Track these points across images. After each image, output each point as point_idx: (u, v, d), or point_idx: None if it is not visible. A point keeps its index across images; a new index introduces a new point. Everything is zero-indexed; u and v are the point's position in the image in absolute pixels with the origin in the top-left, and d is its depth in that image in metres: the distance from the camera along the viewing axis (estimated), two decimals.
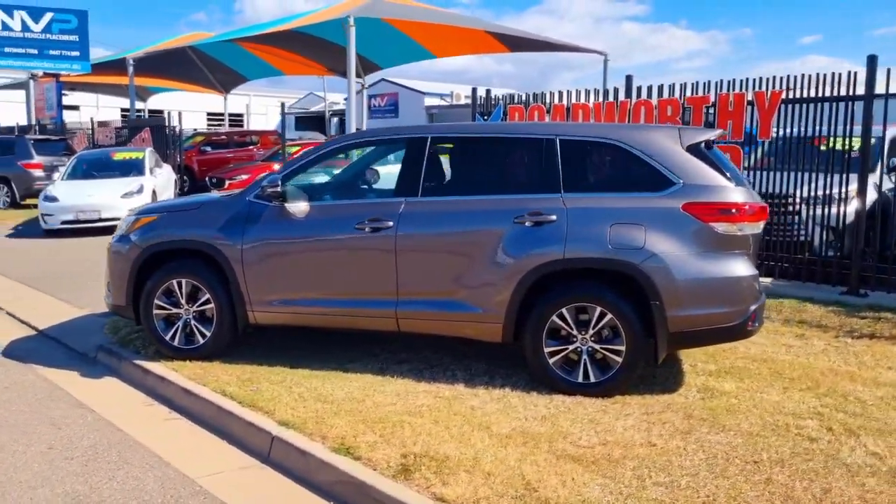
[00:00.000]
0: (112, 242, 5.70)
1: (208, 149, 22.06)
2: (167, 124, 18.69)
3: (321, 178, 5.67)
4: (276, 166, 13.90)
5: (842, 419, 4.37)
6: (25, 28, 23.98)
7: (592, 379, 4.75)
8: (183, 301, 5.42)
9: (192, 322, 5.43)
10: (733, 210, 4.66)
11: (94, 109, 42.86)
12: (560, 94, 9.78)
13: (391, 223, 5.00)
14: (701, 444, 4.00)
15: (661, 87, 8.80)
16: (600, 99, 9.35)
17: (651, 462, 3.75)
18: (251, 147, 22.44)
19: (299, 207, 5.19)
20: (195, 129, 30.93)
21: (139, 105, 35.27)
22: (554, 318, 4.75)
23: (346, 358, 5.47)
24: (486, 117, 10.72)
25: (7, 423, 4.60)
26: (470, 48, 25.92)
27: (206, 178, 18.05)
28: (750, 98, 8.01)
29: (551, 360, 4.79)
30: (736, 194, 4.69)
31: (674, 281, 4.59)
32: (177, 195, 16.10)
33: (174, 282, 5.41)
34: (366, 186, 5.85)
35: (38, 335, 6.68)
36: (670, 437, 4.09)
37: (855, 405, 4.61)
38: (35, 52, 24.17)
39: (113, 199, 13.02)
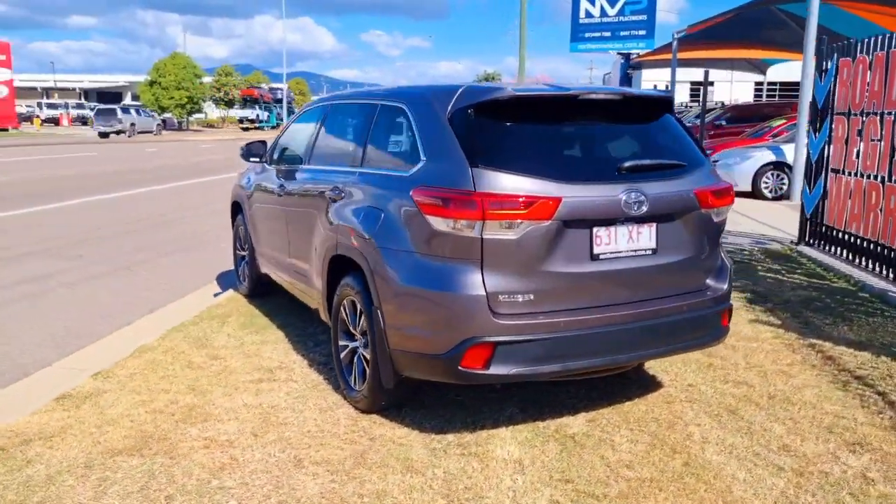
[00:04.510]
0: None
1: (723, 122, 20.91)
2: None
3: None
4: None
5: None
6: (603, 13, 26.75)
7: (356, 386, 3.95)
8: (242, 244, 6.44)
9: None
10: (450, 201, 3.19)
11: (728, 84, 44.25)
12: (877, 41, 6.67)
13: (287, 186, 5.01)
14: (260, 468, 3.19)
15: None
16: None
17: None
18: (781, 120, 20.18)
19: (264, 168, 5.63)
20: (721, 102, 28.96)
21: (760, 78, 34.58)
22: (340, 307, 4.10)
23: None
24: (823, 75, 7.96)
25: None
26: None
27: None
28: None
29: (342, 354, 4.16)
30: (463, 180, 3.17)
31: (390, 284, 3.47)
32: None
33: (239, 228, 6.46)
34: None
35: None
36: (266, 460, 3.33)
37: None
38: (608, 34, 26.74)
39: None
